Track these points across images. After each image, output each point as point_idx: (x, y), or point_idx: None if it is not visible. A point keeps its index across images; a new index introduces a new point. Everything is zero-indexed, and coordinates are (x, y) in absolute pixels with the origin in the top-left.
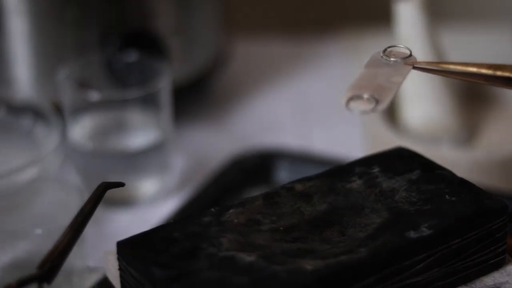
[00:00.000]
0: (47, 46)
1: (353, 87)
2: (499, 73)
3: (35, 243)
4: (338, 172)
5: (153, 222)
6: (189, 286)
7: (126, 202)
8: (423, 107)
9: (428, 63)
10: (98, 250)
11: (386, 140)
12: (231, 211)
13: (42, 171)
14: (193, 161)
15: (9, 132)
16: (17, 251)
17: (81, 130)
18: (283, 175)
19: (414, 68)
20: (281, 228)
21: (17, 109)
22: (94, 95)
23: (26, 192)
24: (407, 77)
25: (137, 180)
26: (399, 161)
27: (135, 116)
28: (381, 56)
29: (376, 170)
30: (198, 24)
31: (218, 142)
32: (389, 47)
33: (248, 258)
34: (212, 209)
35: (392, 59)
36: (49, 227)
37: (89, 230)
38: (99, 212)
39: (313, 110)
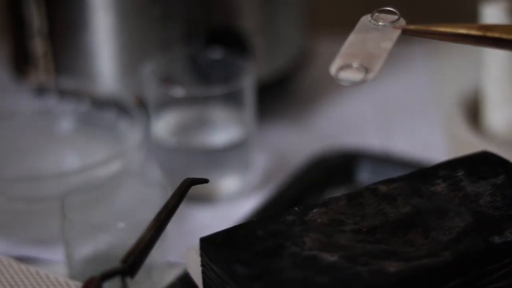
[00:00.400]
0: (132, 41)
1: (342, 55)
2: (489, 34)
3: (116, 237)
4: (422, 175)
5: (234, 219)
6: (271, 285)
7: (207, 199)
8: (508, 110)
9: (417, 26)
10: (178, 246)
11: (470, 144)
12: (314, 210)
13: (125, 166)
14: (274, 160)
15: (93, 126)
16: (98, 244)
17: (164, 125)
18: (365, 176)
19: (403, 32)
20: (364, 229)
21: (101, 103)
22: (178, 91)
23: (109, 186)
24: (395, 41)
25: (219, 177)
26: (483, 165)
27: (218, 113)
28: (369, 21)
29: (460, 173)
30: (282, 22)
31: (300, 141)
32: (377, 10)
33: (330, 258)
34: (296, 208)
35: (380, 23)
36: (131, 221)
37: (170, 225)
38: (180, 208)
39: (396, 112)
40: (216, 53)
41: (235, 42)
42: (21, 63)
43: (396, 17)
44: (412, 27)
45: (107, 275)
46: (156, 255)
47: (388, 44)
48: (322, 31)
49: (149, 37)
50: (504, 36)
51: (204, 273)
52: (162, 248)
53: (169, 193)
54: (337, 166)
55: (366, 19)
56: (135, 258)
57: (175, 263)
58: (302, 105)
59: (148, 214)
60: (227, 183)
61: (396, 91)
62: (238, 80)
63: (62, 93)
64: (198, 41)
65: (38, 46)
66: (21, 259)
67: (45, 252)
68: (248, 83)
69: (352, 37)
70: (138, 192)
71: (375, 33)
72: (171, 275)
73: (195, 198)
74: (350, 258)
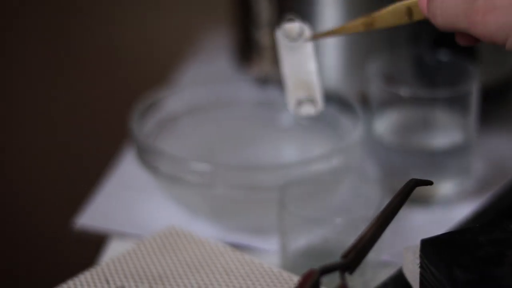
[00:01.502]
0: (360, 38)
1: (291, 91)
2: (371, 28)
3: (331, 231)
4: None
5: (449, 223)
6: None
7: (422, 201)
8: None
9: (320, 32)
10: (392, 245)
11: None
12: None
13: (345, 161)
14: (493, 167)
15: (314, 119)
16: (313, 237)
17: (386, 124)
18: None
19: (313, 39)
20: None
21: (325, 98)
22: (403, 91)
23: (328, 180)
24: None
25: (437, 180)
26: None
27: (442, 116)
28: (281, 38)
29: None
30: None
31: None
32: (282, 23)
33: None
34: None
35: (290, 42)
36: (347, 217)
37: None
38: None
39: None
40: (443, 55)
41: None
42: (246, 53)
43: (299, 28)
44: (317, 34)
45: (327, 269)
46: (371, 252)
47: (311, 66)
48: None
49: (376, 35)
50: (384, 26)
51: (422, 274)
52: (377, 247)
53: (386, 192)
54: None
55: (279, 36)
56: (356, 254)
57: (389, 262)
58: None
59: (365, 211)
60: (444, 186)
61: None
62: (464, 84)
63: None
64: (425, 41)
65: (265, 37)
66: (236, 247)
67: (260, 241)
68: (473, 88)
69: (283, 64)
70: (356, 189)
71: (295, 54)
72: (384, 274)
73: (411, 198)
74: None
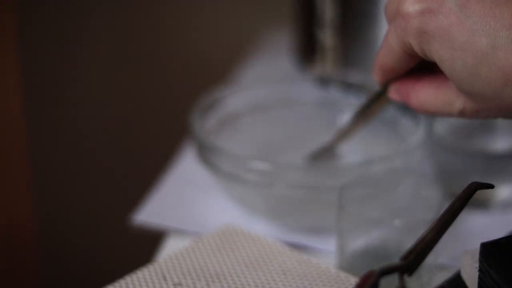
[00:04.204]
0: None
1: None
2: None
3: (390, 233)
4: None
5: (507, 228)
6: None
7: (480, 204)
8: None
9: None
10: (449, 249)
11: None
12: None
13: (404, 162)
14: None
15: (375, 120)
16: (371, 238)
17: (446, 126)
18: None
19: None
20: None
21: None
22: None
23: (388, 181)
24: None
25: (496, 183)
26: None
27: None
28: None
29: None
30: None
31: None
32: None
33: None
34: None
35: None
36: (406, 219)
37: None
38: None
39: None
40: None
41: None
42: (309, 53)
43: None
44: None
45: (386, 271)
46: (429, 255)
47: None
48: None
49: None
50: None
51: (480, 278)
52: (435, 249)
53: (446, 194)
54: None
55: None
56: (416, 256)
57: (445, 265)
58: None
59: (424, 214)
60: (504, 190)
61: None
62: None
63: (347, 86)
64: None
65: (328, 37)
66: (294, 246)
67: (318, 241)
68: None
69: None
70: (415, 191)
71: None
72: (440, 277)
73: (470, 202)
74: None
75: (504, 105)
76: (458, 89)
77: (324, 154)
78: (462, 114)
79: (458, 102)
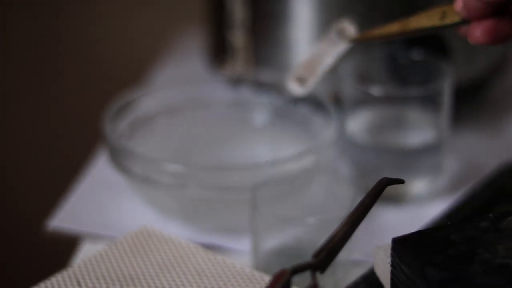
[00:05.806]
0: None
1: (297, 67)
2: (406, 28)
3: (304, 231)
4: None
5: (421, 222)
6: None
7: (395, 199)
8: None
9: (359, 36)
10: (363, 244)
11: None
12: (509, 218)
13: (317, 161)
14: (465, 165)
15: (287, 119)
16: (285, 237)
17: (359, 123)
18: None
19: (354, 42)
20: None
21: (296, 97)
22: (376, 90)
23: (300, 180)
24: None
25: (409, 178)
26: None
27: (414, 114)
28: (333, 34)
29: None
30: None
31: (492, 148)
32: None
33: None
34: (490, 215)
35: (334, 37)
36: (320, 217)
37: None
38: None
39: None
40: (416, 54)
41: (435, 44)
42: (220, 53)
43: (346, 29)
44: (356, 39)
45: (298, 269)
46: (342, 252)
47: (328, 59)
48: None
49: None
50: (418, 26)
51: (393, 273)
52: (348, 246)
53: (359, 191)
54: None
55: (332, 28)
56: (327, 254)
57: (360, 261)
58: (496, 111)
59: (338, 211)
60: (417, 185)
61: None
62: (437, 83)
63: (259, 86)
64: (398, 40)
65: (239, 37)
66: (208, 247)
67: (233, 241)
68: (446, 87)
69: (315, 46)
70: (329, 188)
71: (328, 45)
72: (355, 273)
73: (383, 197)
74: None
75: None
76: None
77: None
78: None
79: None
